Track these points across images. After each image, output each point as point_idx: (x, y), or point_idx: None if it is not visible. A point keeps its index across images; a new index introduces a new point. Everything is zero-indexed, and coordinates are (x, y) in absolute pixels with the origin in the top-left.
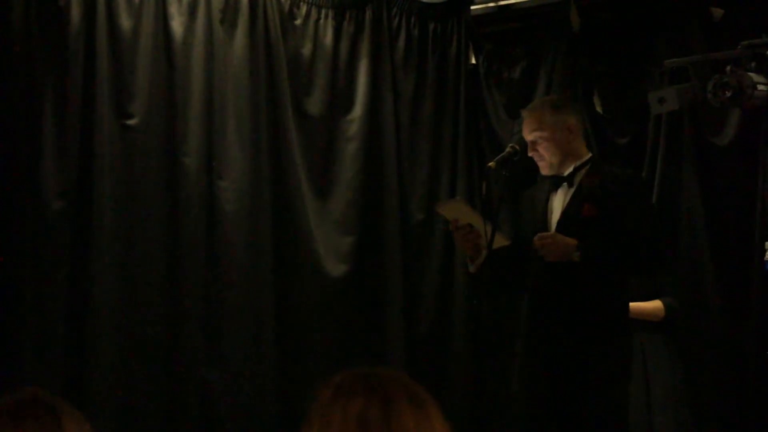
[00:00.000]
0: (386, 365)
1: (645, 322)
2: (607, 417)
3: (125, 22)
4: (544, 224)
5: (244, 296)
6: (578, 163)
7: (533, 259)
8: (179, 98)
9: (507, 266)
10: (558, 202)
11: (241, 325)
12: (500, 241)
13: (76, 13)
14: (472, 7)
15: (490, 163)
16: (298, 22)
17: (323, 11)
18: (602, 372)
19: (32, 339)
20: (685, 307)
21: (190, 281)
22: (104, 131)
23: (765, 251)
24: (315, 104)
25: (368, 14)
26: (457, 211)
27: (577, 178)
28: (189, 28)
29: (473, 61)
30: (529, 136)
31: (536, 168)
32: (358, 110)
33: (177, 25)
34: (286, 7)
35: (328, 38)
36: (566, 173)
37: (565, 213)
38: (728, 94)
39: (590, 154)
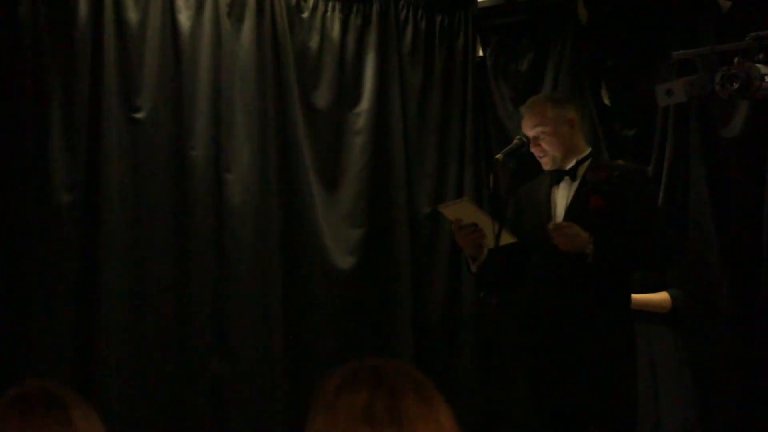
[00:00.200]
0: (394, 357)
1: (651, 313)
2: (616, 409)
3: (132, 15)
4: (548, 218)
5: (253, 289)
6: (580, 156)
7: (536, 252)
8: (186, 91)
9: (509, 263)
10: (561, 196)
11: (250, 317)
12: (507, 238)
13: (83, 6)
14: (479, 0)
15: (498, 156)
16: (305, 15)
17: (330, 4)
18: (608, 364)
19: (41, 332)
20: (692, 300)
21: (199, 274)
22: (112, 124)
23: None
24: (322, 97)
25: (375, 7)
26: (461, 211)
27: (580, 172)
28: (196, 21)
29: (480, 53)
30: (531, 132)
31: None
32: (365, 103)
33: (184, 18)
34: (293, 0)
35: (336, 31)
36: (568, 167)
37: (571, 206)
38: (736, 85)
39: (590, 148)
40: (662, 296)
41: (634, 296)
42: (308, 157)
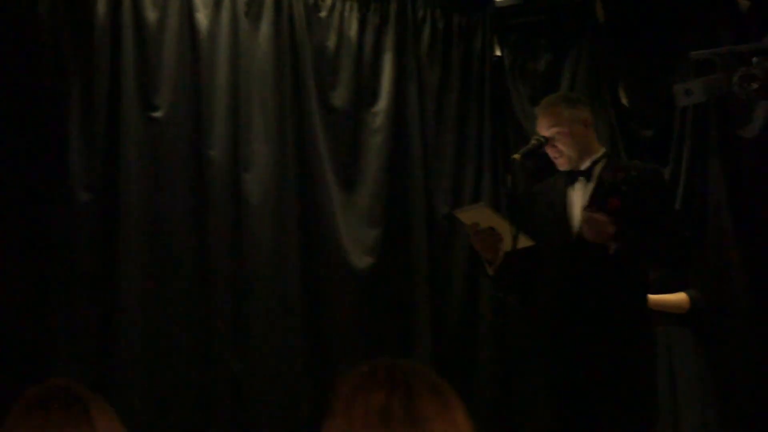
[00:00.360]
0: (412, 357)
1: (670, 314)
2: (635, 410)
3: (151, 14)
4: (564, 219)
5: (271, 288)
6: (595, 157)
7: (551, 252)
8: (204, 91)
9: (526, 265)
10: (577, 197)
11: (268, 316)
12: (524, 242)
13: (102, 5)
14: (497, 0)
15: (515, 155)
16: (322, 14)
17: (348, 3)
18: (627, 365)
19: (60, 331)
20: (710, 300)
21: (217, 273)
22: (130, 124)
23: None
24: (340, 97)
25: (393, 6)
26: (477, 215)
27: (595, 172)
28: (214, 20)
29: (498, 53)
30: (546, 132)
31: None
32: (382, 103)
33: (202, 17)
34: (311, 0)
35: (353, 31)
36: (583, 167)
37: (589, 206)
38: (754, 85)
39: (604, 149)
40: (681, 297)
41: (652, 297)
42: (326, 156)
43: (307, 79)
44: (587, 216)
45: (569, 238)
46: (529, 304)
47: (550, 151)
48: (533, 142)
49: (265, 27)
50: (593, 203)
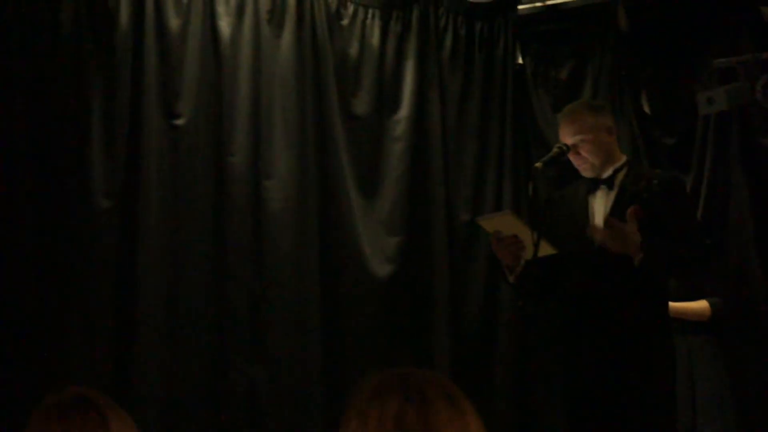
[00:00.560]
0: (431, 365)
1: (691, 322)
2: (654, 419)
3: (173, 21)
4: (586, 227)
5: (290, 295)
6: (617, 165)
7: (572, 261)
8: (226, 98)
9: (547, 273)
10: (599, 205)
11: (287, 323)
12: (547, 249)
13: (124, 13)
14: (519, 7)
15: (537, 164)
16: (344, 22)
17: (370, 11)
18: (646, 373)
19: (80, 337)
20: (731, 309)
21: (237, 280)
22: (152, 131)
23: None
24: (361, 104)
25: (415, 14)
26: (500, 223)
27: (617, 181)
28: (236, 28)
29: (520, 61)
30: (570, 140)
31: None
32: (404, 110)
33: (224, 25)
34: (333, 7)
35: (375, 38)
36: (605, 176)
37: (610, 215)
38: None
39: (625, 157)
40: (702, 305)
41: (673, 305)
42: (347, 163)
43: (328, 87)
44: (612, 225)
45: (590, 246)
46: (549, 312)
47: (573, 159)
48: (555, 150)
49: (287, 35)
50: (615, 211)
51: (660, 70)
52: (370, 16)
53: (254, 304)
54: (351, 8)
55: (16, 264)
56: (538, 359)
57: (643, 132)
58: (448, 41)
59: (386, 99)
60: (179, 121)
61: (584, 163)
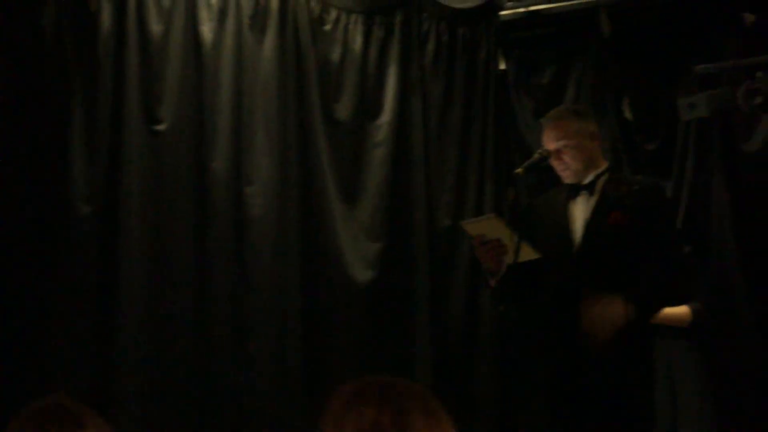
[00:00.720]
0: (412, 371)
1: (672, 328)
2: (632, 424)
3: (155, 27)
4: (566, 232)
5: (271, 301)
6: (598, 171)
7: (553, 265)
8: (208, 103)
9: (528, 278)
10: (579, 211)
11: (268, 329)
12: (529, 254)
13: (106, 18)
14: (502, 13)
15: (518, 170)
16: (327, 27)
17: (352, 16)
18: (625, 378)
19: (61, 342)
20: (712, 314)
21: (218, 286)
22: (133, 136)
23: None
24: (344, 109)
25: (397, 19)
26: (485, 227)
27: (598, 186)
28: (218, 33)
29: (502, 66)
30: (553, 145)
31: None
32: (386, 115)
33: (207, 30)
34: (316, 13)
35: (358, 43)
36: (586, 181)
37: (590, 221)
38: (759, 100)
39: (607, 163)
40: (683, 310)
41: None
42: (328, 169)
43: (310, 92)
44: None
45: (570, 251)
46: (530, 316)
47: (556, 164)
48: (536, 155)
49: (270, 40)
50: (595, 217)
51: (642, 75)
52: (352, 21)
53: (236, 309)
54: (333, 13)
55: None
56: (520, 364)
57: (625, 137)
58: (431, 47)
59: (368, 104)
60: (161, 127)
61: (566, 169)
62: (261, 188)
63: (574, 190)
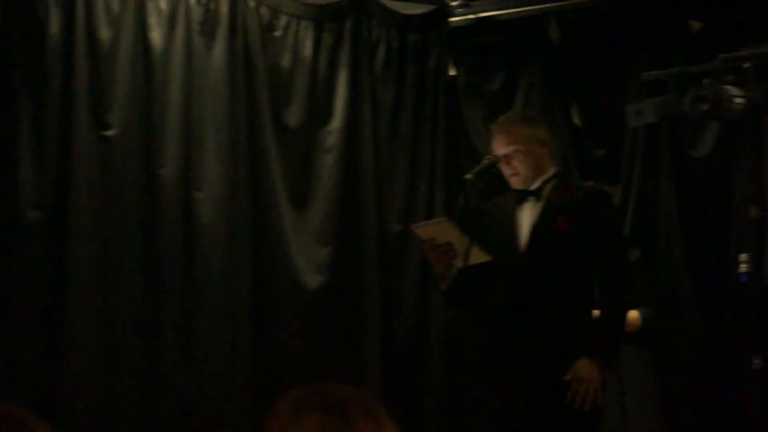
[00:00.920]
0: (363, 376)
1: None
2: (580, 427)
3: (104, 32)
4: (513, 238)
5: (221, 307)
6: (545, 177)
7: (499, 271)
8: (157, 109)
9: (478, 281)
10: (526, 216)
11: (218, 335)
12: (480, 257)
13: (54, 23)
14: (452, 19)
15: (468, 175)
16: (277, 33)
17: (302, 23)
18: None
19: (7, 349)
20: (661, 318)
21: (168, 292)
22: (82, 142)
23: (741, 263)
24: (294, 115)
25: (347, 26)
26: (435, 230)
27: (545, 192)
28: (168, 39)
29: (452, 72)
30: (503, 150)
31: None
32: (336, 121)
33: (156, 36)
34: (266, 19)
35: (308, 50)
36: (533, 187)
37: (536, 227)
38: (705, 106)
39: (555, 169)
40: (632, 315)
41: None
42: (278, 175)
43: (260, 98)
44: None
45: (517, 257)
46: (478, 320)
47: (505, 169)
48: (486, 161)
49: (219, 46)
50: (541, 223)
51: (590, 82)
52: (302, 27)
53: (185, 316)
54: (283, 20)
55: None
56: (469, 369)
57: (574, 144)
58: (381, 53)
59: (318, 110)
60: (110, 132)
61: (515, 174)
62: (211, 194)
63: (522, 196)
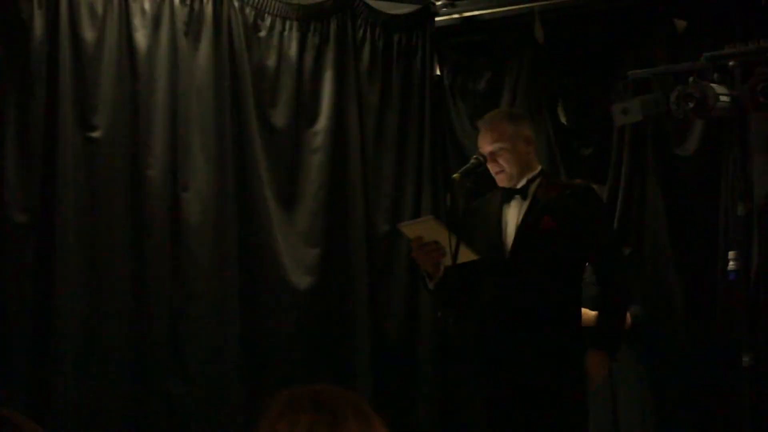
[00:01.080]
0: (353, 377)
1: None
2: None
3: (89, 34)
4: (499, 236)
5: (210, 308)
6: (531, 175)
7: (486, 270)
8: (143, 111)
9: (466, 280)
10: (512, 215)
11: (207, 337)
12: (468, 256)
13: (38, 25)
14: (437, 19)
15: (455, 175)
16: (262, 33)
17: (288, 23)
18: (559, 380)
19: None
20: (650, 316)
21: (156, 294)
22: (67, 144)
23: (729, 261)
24: (280, 116)
25: (333, 26)
26: (422, 229)
27: (531, 191)
28: (153, 40)
29: (438, 72)
30: (489, 148)
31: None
32: (323, 122)
33: (141, 37)
34: (251, 19)
35: (293, 50)
36: (519, 185)
37: (522, 225)
38: (691, 105)
39: (540, 167)
40: None
41: (592, 313)
42: (265, 175)
43: (246, 99)
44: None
45: (503, 255)
46: (466, 319)
47: (491, 166)
48: (473, 161)
49: (204, 47)
50: (527, 221)
51: (576, 81)
52: (287, 27)
53: (173, 317)
54: (268, 20)
55: None
56: (459, 368)
57: (560, 142)
58: (366, 53)
59: (305, 110)
60: (95, 134)
61: (501, 172)
62: (198, 195)
63: (508, 195)
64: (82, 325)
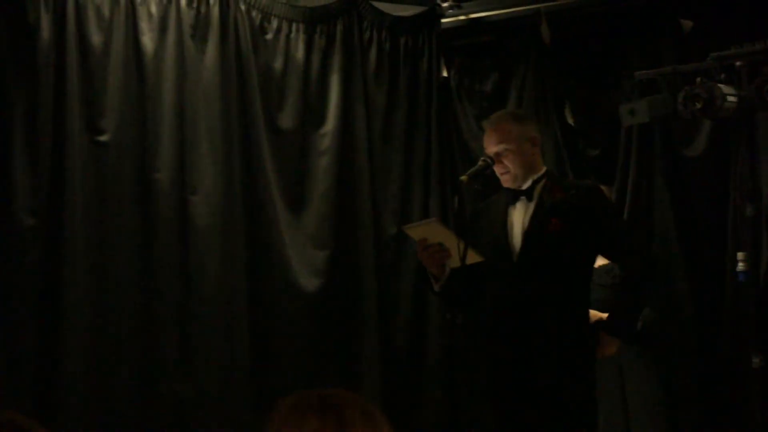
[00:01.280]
0: (361, 379)
1: None
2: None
3: (96, 37)
4: (505, 238)
5: (218, 311)
6: (536, 176)
7: (493, 271)
8: (150, 114)
9: (472, 282)
10: (518, 217)
11: (215, 339)
12: (474, 258)
13: (46, 28)
14: (443, 20)
15: (462, 177)
16: (269, 36)
17: (294, 25)
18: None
19: (4, 355)
20: (659, 317)
21: (164, 296)
22: (75, 147)
23: (737, 262)
24: (287, 118)
25: (339, 28)
26: (427, 231)
27: (536, 192)
28: (160, 43)
29: (445, 74)
30: (494, 149)
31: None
32: (330, 124)
33: (148, 40)
34: (257, 22)
35: (300, 52)
36: (525, 187)
37: (529, 229)
38: (698, 105)
39: (546, 168)
40: None
41: (600, 315)
42: (273, 178)
43: (253, 101)
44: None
45: (509, 257)
46: (473, 321)
47: (496, 167)
48: (480, 163)
49: (211, 49)
50: (533, 223)
51: (583, 82)
52: (294, 30)
53: (181, 320)
54: (275, 23)
55: None
56: (467, 370)
57: (567, 144)
58: (373, 55)
59: (311, 113)
60: (103, 138)
61: (506, 173)
62: (205, 198)
63: (514, 196)
64: (89, 328)
